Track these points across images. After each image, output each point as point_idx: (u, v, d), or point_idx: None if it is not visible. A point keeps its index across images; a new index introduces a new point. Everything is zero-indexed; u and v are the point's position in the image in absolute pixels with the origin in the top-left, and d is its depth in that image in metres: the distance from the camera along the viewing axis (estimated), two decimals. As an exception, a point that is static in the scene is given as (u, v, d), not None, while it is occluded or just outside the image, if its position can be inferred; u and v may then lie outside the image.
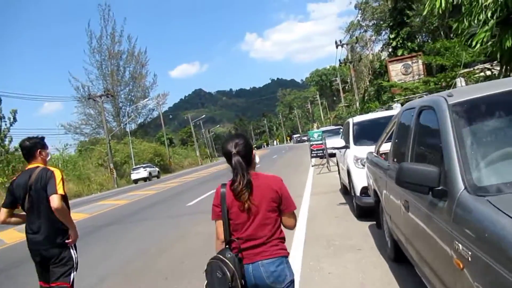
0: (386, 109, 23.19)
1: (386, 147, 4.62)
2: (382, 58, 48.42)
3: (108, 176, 38.78)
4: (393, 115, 7.70)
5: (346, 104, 58.40)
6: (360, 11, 47.45)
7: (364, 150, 6.36)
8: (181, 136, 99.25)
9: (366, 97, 47.06)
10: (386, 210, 3.97)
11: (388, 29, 43.82)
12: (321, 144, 17.16)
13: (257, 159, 2.50)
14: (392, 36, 29.68)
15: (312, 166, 17.12)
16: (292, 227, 2.43)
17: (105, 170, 40.76)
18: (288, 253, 2.40)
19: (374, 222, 6.06)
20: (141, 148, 51.51)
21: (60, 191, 3.41)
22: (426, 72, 13.98)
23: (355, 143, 6.98)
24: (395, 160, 3.63)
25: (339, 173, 9.76)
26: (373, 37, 50.27)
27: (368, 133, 7.20)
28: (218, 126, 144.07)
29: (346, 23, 58.66)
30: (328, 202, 8.73)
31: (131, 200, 17.55)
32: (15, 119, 32.06)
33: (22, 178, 3.57)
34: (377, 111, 29.96)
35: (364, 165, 6.14)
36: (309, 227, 6.67)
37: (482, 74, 11.05)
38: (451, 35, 18.14)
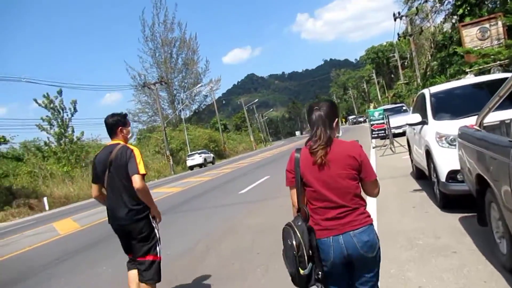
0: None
1: (497, 116, 3.42)
2: (445, 30, 45.07)
3: (164, 163, 39.31)
4: (475, 83, 6.28)
5: (405, 82, 55.26)
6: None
7: (448, 126, 5.18)
8: (235, 121, 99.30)
9: (428, 72, 44.06)
10: (507, 205, 2.81)
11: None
12: (383, 123, 15.72)
13: (340, 132, 2.38)
14: (458, 3, 26.97)
15: (373, 147, 15.72)
16: (375, 195, 2.36)
17: (162, 157, 41.42)
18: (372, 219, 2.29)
19: (464, 215, 4.90)
20: (196, 135, 51.88)
21: (142, 171, 3.44)
22: (508, 36, 11.95)
23: (435, 117, 5.72)
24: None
25: (410, 154, 8.43)
26: (436, 6, 46.80)
27: (449, 105, 5.95)
28: (271, 110, 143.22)
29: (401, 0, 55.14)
30: (399, 188, 7.51)
31: (184, 188, 17.14)
32: (75, 109, 33.12)
33: (103, 153, 3.66)
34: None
35: (451, 144, 4.93)
36: (381, 220, 5.55)
37: None
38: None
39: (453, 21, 43.25)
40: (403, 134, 18.05)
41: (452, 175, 4.90)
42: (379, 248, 2.23)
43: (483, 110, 3.54)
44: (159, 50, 60.56)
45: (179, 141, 47.89)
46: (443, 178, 5.09)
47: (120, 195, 3.52)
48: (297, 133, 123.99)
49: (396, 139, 14.32)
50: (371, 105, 75.17)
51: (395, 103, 34.54)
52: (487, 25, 11.97)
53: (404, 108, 21.36)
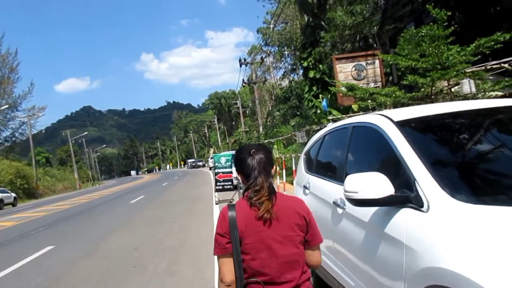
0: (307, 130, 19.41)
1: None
2: (282, 85, 46.78)
3: None
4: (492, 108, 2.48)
5: (246, 130, 55.46)
6: (261, 35, 45.36)
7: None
8: (60, 155, 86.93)
9: (269, 122, 44.32)
10: None
11: (292, 54, 42.10)
12: (230, 173, 12.42)
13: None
14: (304, 55, 26.60)
15: (216, 203, 12.13)
16: (317, 266, 1.88)
17: None
18: None
19: None
20: (-2, 168, 41.55)
21: None
22: (384, 78, 10.17)
23: (456, 192, 1.79)
24: None
25: None
26: (274, 64, 48.59)
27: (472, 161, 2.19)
28: (103, 146, 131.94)
29: (244, 52, 56.68)
30: None
31: None
32: None
33: None
34: (286, 136, 26.15)
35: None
36: None
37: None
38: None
39: (291, 78, 45.19)
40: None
41: None
42: None
43: None
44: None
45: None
46: None
47: None
48: (133, 172, 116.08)
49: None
50: (211, 150, 74.33)
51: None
52: (363, 63, 9.94)
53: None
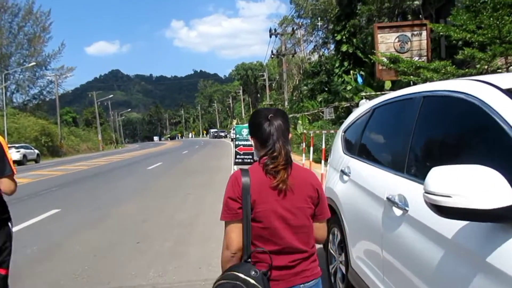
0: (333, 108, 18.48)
1: None
2: (312, 60, 45.24)
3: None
4: None
5: (270, 103, 54.57)
6: (294, 5, 43.76)
7: None
8: (86, 116, 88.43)
9: (294, 97, 43.26)
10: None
11: (324, 27, 40.48)
12: (252, 146, 11.65)
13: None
14: (338, 28, 25.38)
15: (235, 176, 11.50)
16: (322, 240, 1.79)
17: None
18: None
19: None
20: (24, 124, 42.10)
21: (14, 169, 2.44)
22: (431, 51, 9.09)
23: None
24: None
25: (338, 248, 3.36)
26: (305, 37, 46.99)
27: None
28: (129, 110, 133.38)
29: (275, 23, 54.97)
30: None
31: None
32: None
33: None
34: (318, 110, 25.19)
35: None
36: None
37: None
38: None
39: (321, 53, 43.58)
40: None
41: None
42: None
43: None
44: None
45: (-4, 129, 37.86)
46: None
47: None
48: (156, 138, 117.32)
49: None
50: (234, 121, 73.86)
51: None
52: (408, 34, 8.86)
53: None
